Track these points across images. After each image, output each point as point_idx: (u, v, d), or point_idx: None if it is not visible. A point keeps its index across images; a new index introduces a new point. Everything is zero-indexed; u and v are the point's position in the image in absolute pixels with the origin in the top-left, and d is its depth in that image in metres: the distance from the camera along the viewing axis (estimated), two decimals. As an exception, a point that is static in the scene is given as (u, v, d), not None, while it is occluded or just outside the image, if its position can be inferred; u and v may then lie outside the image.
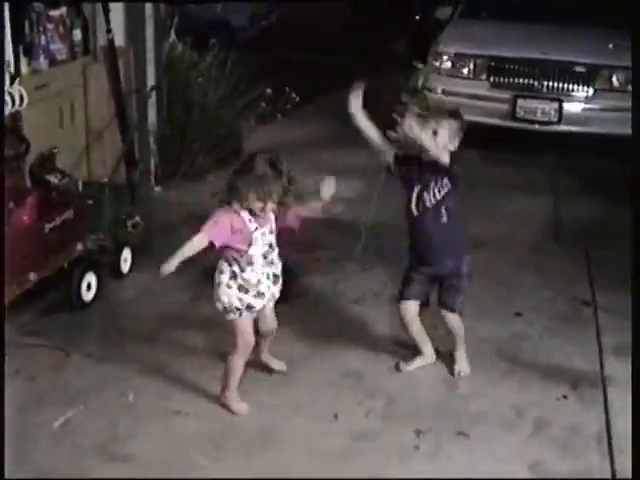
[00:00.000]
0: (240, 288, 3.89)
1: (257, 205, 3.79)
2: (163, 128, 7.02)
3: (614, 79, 8.22)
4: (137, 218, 5.78)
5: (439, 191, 4.19)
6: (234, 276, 3.89)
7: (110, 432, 3.88)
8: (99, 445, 3.79)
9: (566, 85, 8.23)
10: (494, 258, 6.06)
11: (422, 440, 3.94)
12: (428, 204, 4.23)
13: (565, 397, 4.37)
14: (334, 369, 4.53)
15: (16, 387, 4.18)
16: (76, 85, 5.95)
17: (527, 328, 5.08)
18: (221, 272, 3.92)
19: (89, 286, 5.00)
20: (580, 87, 8.23)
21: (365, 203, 6.54)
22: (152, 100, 6.79)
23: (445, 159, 4.11)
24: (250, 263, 3.88)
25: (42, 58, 5.52)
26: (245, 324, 3.98)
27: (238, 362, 4.03)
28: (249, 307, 3.95)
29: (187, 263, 5.47)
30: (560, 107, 8.16)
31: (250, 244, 3.85)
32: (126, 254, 5.44)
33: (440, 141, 4.12)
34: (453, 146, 4.18)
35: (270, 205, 3.80)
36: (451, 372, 4.54)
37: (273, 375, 4.40)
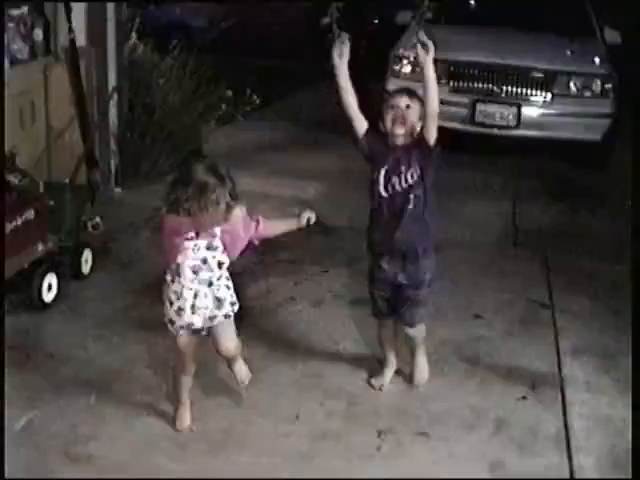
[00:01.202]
0: (171, 303, 3.72)
1: (202, 215, 3.48)
2: (124, 129, 6.99)
3: (571, 85, 8.35)
4: (98, 219, 5.75)
5: (411, 176, 3.99)
6: (167, 287, 3.73)
7: (72, 433, 3.86)
8: (61, 447, 3.76)
9: (524, 90, 8.34)
10: (453, 261, 6.08)
11: (383, 440, 3.97)
12: (398, 188, 4.01)
13: (524, 398, 4.43)
14: (294, 371, 4.54)
15: (-25, 388, 4.15)
16: (37, 85, 5.90)
17: (487, 330, 5.14)
18: (164, 281, 3.77)
19: (50, 287, 4.97)
20: (538, 92, 8.34)
21: (324, 205, 6.59)
22: (113, 101, 6.76)
23: (413, 134, 4.01)
24: (178, 274, 3.68)
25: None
26: (181, 341, 3.79)
27: (177, 378, 3.94)
28: (171, 321, 3.76)
29: (148, 265, 5.52)
30: (519, 112, 8.26)
31: (179, 252, 3.64)
32: (87, 255, 5.42)
33: (412, 114, 4.02)
34: (415, 132, 4.02)
35: (216, 214, 3.49)
36: (410, 380, 4.51)
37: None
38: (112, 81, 6.70)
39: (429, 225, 4.13)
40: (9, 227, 4.60)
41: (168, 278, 3.72)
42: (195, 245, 3.63)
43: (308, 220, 3.93)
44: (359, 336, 4.88)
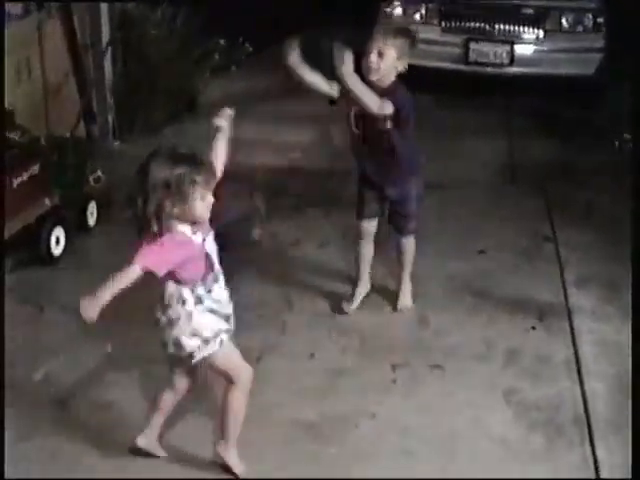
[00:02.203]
0: (212, 311, 3.19)
1: (198, 207, 3.07)
2: (119, 82, 6.97)
3: (563, 21, 8.32)
4: (99, 172, 5.78)
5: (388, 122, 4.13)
6: (200, 300, 3.17)
7: (90, 381, 3.93)
8: (81, 395, 3.83)
9: (517, 27, 8.30)
10: (453, 200, 6.17)
11: (398, 374, 4.05)
12: (368, 126, 4.20)
13: (533, 328, 4.51)
14: (306, 310, 4.62)
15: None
16: (31, 41, 5.88)
17: (492, 265, 5.20)
18: (183, 302, 3.15)
19: (58, 240, 5.01)
20: (531, 29, 8.31)
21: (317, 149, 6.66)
22: (108, 55, 6.74)
23: (388, 80, 4.13)
24: (216, 280, 3.21)
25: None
26: (231, 351, 3.29)
27: (243, 402, 3.31)
28: (227, 331, 3.25)
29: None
30: (512, 49, 8.23)
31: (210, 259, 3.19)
32: (92, 207, 5.45)
33: (385, 63, 4.10)
34: (402, 66, 4.16)
35: (208, 199, 3.09)
36: (394, 307, 4.63)
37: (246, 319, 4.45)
38: (105, 35, 6.67)
39: (408, 158, 4.36)
40: (15, 182, 4.63)
41: (199, 292, 3.16)
42: (211, 241, 3.23)
43: None
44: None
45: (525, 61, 8.32)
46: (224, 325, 3.21)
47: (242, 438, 3.35)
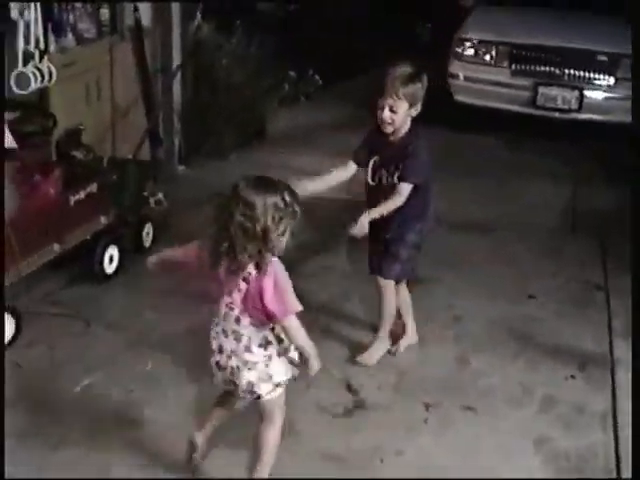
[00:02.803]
0: (282, 355, 3.17)
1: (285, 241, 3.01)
2: (188, 108, 7.12)
3: (636, 69, 8.24)
4: (160, 195, 5.92)
5: (396, 171, 4.16)
6: (278, 342, 3.16)
7: (127, 398, 4.02)
8: (116, 410, 3.92)
9: (587, 74, 8.26)
10: (510, 242, 6.15)
11: (430, 413, 4.05)
12: (384, 181, 4.22)
13: (573, 377, 4.46)
14: (344, 345, 4.65)
15: (36, 355, 4.34)
16: (103, 63, 6.03)
17: (539, 310, 5.16)
18: (269, 344, 3.12)
19: (111, 259, 5.13)
20: (601, 76, 8.26)
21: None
22: (177, 80, 6.89)
23: (404, 129, 4.16)
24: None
25: (70, 36, 5.63)
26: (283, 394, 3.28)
27: (278, 439, 3.33)
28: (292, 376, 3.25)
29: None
30: (581, 95, 8.20)
31: None
32: (148, 229, 5.57)
33: (398, 117, 4.09)
34: (416, 111, 4.15)
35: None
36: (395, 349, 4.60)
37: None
38: (176, 60, 6.83)
39: (414, 213, 4.26)
40: (73, 200, 4.76)
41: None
42: None
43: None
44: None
45: (594, 108, 8.27)
46: (290, 371, 3.19)
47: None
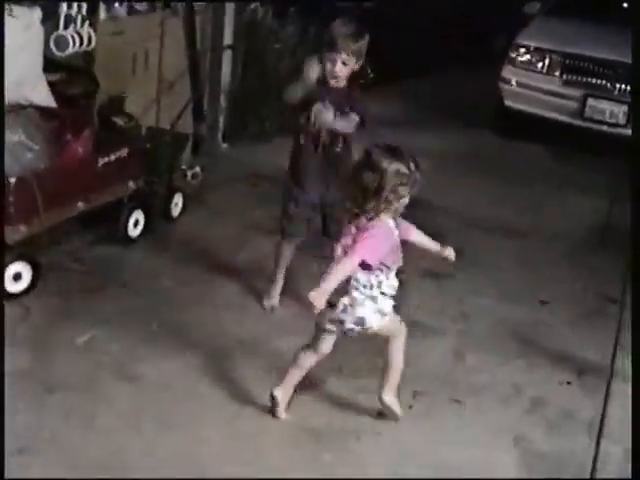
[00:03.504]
0: (386, 294, 3.63)
1: (405, 202, 3.53)
2: (235, 89, 7.27)
3: (688, 87, 8.18)
4: (197, 169, 6.10)
5: (353, 120, 4.41)
6: (380, 285, 3.59)
7: (127, 354, 4.18)
8: (114, 364, 4.08)
9: (637, 89, 8.21)
10: (535, 249, 6.19)
11: (417, 401, 4.13)
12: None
13: (569, 383, 4.49)
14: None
15: (48, 304, 4.53)
16: (152, 36, 6.18)
17: (549, 316, 5.18)
18: (370, 287, 3.56)
19: (136, 223, 5.30)
20: (652, 92, 8.21)
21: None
22: (227, 60, 7.04)
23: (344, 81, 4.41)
24: (395, 268, 3.65)
25: (120, 6, 5.80)
26: (395, 316, 3.79)
27: (402, 351, 3.90)
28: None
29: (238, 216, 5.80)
30: (629, 110, 8.16)
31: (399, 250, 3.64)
32: (177, 199, 5.73)
33: (348, 70, 4.37)
34: (358, 65, 4.42)
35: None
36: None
37: (291, 320, 4.65)
38: (227, 40, 6.98)
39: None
40: (101, 162, 4.93)
41: (381, 278, 3.58)
42: None
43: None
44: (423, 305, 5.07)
45: (642, 124, 8.21)
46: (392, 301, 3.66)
47: (244, 426, 3.61)
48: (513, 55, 8.65)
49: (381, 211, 3.45)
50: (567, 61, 8.45)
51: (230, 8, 6.99)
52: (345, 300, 3.55)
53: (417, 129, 8.52)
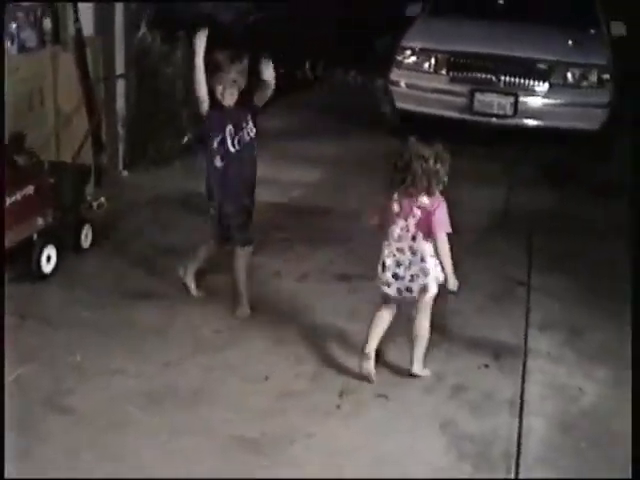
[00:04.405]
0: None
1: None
2: (131, 115, 7.31)
3: (569, 75, 8.53)
4: (102, 199, 6.12)
5: (251, 131, 4.82)
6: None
7: (56, 387, 4.21)
8: (45, 398, 4.11)
9: (522, 80, 8.52)
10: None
11: (344, 400, 4.26)
12: (247, 139, 4.82)
13: (486, 366, 4.67)
14: (269, 337, 4.84)
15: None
16: (46, 71, 6.21)
17: (460, 304, 5.32)
18: (434, 255, 4.29)
19: (49, 258, 5.31)
20: (536, 82, 8.52)
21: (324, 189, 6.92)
22: (121, 88, 7.09)
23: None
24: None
25: (11, 44, 5.81)
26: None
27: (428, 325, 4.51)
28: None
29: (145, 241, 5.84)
30: (516, 101, 8.46)
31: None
32: (87, 230, 5.75)
33: (238, 89, 4.75)
34: (244, 83, 4.78)
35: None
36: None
37: (214, 338, 4.76)
38: (120, 68, 7.03)
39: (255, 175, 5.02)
40: (9, 201, 4.94)
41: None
42: None
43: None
44: (339, 309, 5.19)
45: (529, 113, 8.53)
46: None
47: (181, 446, 3.66)
48: (400, 58, 8.87)
49: (436, 188, 4.19)
50: (452, 59, 8.71)
51: (120, 36, 7.03)
52: (412, 270, 4.26)
53: (317, 137, 8.70)
